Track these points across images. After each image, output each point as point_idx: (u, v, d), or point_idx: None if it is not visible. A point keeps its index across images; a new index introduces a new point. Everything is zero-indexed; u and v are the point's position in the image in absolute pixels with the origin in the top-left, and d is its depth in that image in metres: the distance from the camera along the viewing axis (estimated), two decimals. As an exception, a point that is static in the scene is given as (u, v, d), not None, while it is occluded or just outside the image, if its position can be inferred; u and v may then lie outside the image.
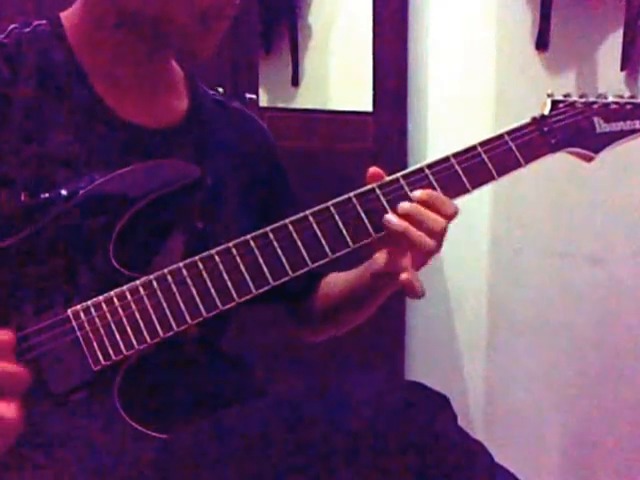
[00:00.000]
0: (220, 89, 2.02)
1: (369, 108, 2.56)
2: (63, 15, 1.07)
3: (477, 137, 1.05)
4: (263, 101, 2.50)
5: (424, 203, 0.99)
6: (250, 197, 1.15)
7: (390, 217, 0.99)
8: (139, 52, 1.05)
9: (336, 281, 1.22)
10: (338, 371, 1.10)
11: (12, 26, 1.05)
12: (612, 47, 1.95)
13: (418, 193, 1.00)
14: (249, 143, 1.19)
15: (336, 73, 2.95)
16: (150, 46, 1.05)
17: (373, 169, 1.03)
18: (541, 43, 2.12)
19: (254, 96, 2.24)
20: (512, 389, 2.34)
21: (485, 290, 2.41)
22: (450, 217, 1.00)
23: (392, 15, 2.55)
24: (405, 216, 0.99)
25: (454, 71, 2.47)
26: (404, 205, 0.99)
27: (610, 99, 1.11)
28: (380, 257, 1.06)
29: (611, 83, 1.95)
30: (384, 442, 0.85)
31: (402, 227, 0.98)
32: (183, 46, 1.03)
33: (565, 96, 1.10)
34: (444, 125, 2.50)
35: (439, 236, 0.99)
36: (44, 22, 1.06)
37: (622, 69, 1.92)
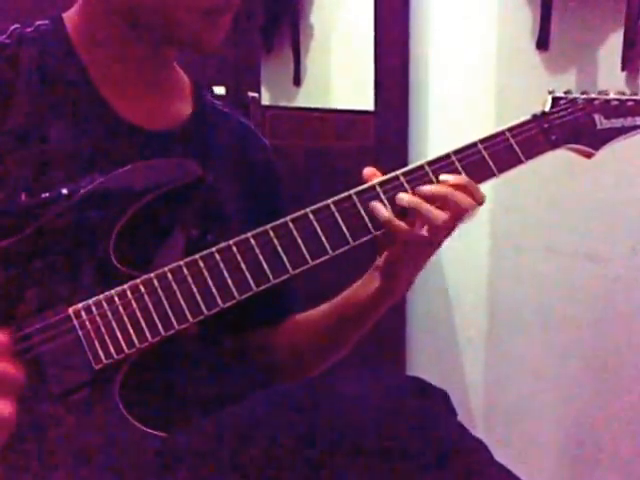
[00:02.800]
0: (222, 88, 2.03)
1: (370, 107, 2.56)
2: (65, 15, 1.07)
3: (478, 136, 1.05)
4: (265, 100, 2.50)
5: (456, 187, 1.01)
6: (246, 208, 1.15)
7: (402, 195, 1.01)
8: (141, 51, 1.05)
9: (314, 315, 1.20)
10: (338, 366, 1.10)
11: (14, 26, 1.04)
12: (613, 47, 1.95)
13: (447, 177, 1.02)
14: (250, 157, 1.19)
15: (338, 72, 2.95)
16: (152, 43, 1.04)
17: (369, 170, 1.03)
18: (542, 42, 2.12)
19: (256, 95, 2.24)
20: (512, 386, 2.34)
21: (485, 286, 2.41)
22: (478, 202, 1.02)
23: (393, 14, 2.54)
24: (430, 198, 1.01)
25: (455, 70, 2.47)
26: (426, 188, 1.01)
27: (611, 96, 1.11)
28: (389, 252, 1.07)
29: (612, 83, 1.95)
30: (383, 437, 0.85)
31: (414, 203, 1.00)
32: (187, 41, 1.03)
33: (566, 93, 1.10)
34: (445, 124, 2.50)
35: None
36: (46, 22, 1.06)
37: (622, 69, 1.93)
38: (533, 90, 2.08)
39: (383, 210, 1.00)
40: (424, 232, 1.00)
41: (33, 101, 1.00)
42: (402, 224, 1.00)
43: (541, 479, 2.19)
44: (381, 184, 1.01)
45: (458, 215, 1.00)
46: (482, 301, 2.41)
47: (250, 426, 0.91)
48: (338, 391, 0.91)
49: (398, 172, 1.01)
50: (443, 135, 2.50)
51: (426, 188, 1.01)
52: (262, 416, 0.91)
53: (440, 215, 0.99)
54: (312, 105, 2.80)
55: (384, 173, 1.03)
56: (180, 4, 0.98)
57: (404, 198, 1.01)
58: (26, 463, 0.89)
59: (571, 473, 2.18)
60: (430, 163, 1.02)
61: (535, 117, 1.07)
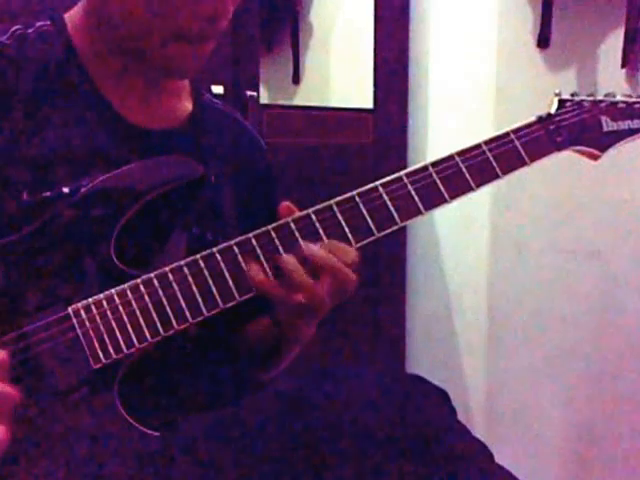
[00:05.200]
0: (220, 87, 2.03)
1: (370, 105, 2.56)
2: (67, 15, 1.07)
3: (478, 134, 1.05)
4: (264, 98, 2.49)
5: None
6: (245, 205, 1.16)
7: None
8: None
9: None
10: (338, 366, 1.10)
11: (15, 27, 1.04)
12: (613, 45, 1.95)
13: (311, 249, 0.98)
14: (246, 157, 1.19)
15: (337, 70, 2.95)
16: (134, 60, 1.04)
17: (285, 204, 1.01)
18: (542, 40, 2.12)
19: (255, 93, 2.24)
20: (512, 386, 2.34)
21: (485, 286, 2.41)
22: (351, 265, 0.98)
23: (393, 12, 2.54)
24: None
25: (455, 68, 2.47)
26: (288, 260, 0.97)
27: (618, 98, 1.11)
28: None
29: (612, 80, 1.96)
30: (383, 434, 0.85)
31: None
32: (157, 64, 1.02)
33: (572, 95, 1.10)
34: (445, 122, 2.50)
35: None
36: (47, 23, 1.06)
37: (623, 66, 1.93)
38: (534, 88, 2.10)
39: (256, 273, 0.96)
40: (300, 297, 0.96)
41: (34, 101, 1.00)
42: (276, 288, 0.96)
43: (541, 479, 2.19)
44: (384, 185, 1.00)
45: (336, 282, 0.97)
46: (482, 301, 2.41)
47: (248, 425, 0.91)
48: (338, 389, 0.91)
49: (402, 173, 1.01)
50: (443, 133, 2.50)
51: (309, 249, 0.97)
52: (260, 415, 0.91)
53: (313, 284, 0.96)
54: (311, 103, 2.80)
55: (384, 172, 1.02)
56: (150, 27, 0.97)
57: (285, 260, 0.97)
58: (24, 461, 0.88)
59: (571, 473, 2.18)
60: (434, 164, 1.02)
61: (540, 119, 1.07)
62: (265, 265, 0.97)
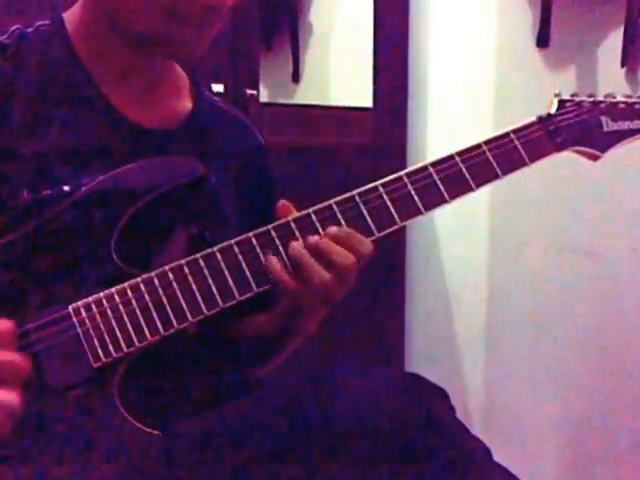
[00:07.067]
0: (220, 85, 2.03)
1: (369, 104, 2.56)
2: (66, 15, 1.07)
3: (477, 134, 1.05)
4: (263, 97, 2.49)
5: (335, 239, 0.97)
6: (244, 204, 1.16)
7: (294, 245, 0.96)
8: (134, 53, 1.04)
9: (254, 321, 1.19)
10: (338, 364, 1.11)
11: (14, 27, 1.05)
12: (613, 44, 1.95)
13: (331, 229, 0.97)
14: (246, 156, 1.19)
15: (336, 69, 2.95)
16: (138, 48, 1.04)
17: (282, 203, 1.01)
18: (542, 40, 2.13)
19: (254, 92, 2.24)
20: (510, 385, 2.34)
21: (484, 285, 2.41)
22: (363, 256, 0.97)
23: (393, 11, 2.54)
24: (313, 250, 0.96)
25: (455, 67, 2.47)
26: (311, 239, 0.96)
27: (618, 98, 1.11)
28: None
29: (612, 80, 1.96)
30: (382, 432, 0.86)
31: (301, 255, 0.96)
32: (162, 48, 1.02)
33: (572, 95, 1.10)
34: (444, 121, 2.50)
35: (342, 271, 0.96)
36: (47, 22, 1.06)
37: (622, 66, 1.93)
38: (533, 88, 2.10)
39: (275, 265, 0.96)
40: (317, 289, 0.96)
41: (34, 100, 1.00)
42: (290, 281, 0.96)
43: (540, 479, 2.20)
44: (384, 185, 1.00)
45: (342, 273, 0.96)
46: (482, 301, 2.41)
47: (248, 423, 0.91)
48: (338, 388, 0.92)
49: (402, 173, 1.01)
50: (442, 132, 2.50)
51: (312, 240, 0.96)
52: (260, 413, 0.92)
53: (323, 275, 0.95)
54: (311, 102, 2.80)
55: (383, 171, 1.02)
56: (147, 10, 0.97)
57: (294, 247, 0.96)
58: (23, 458, 0.89)
59: (570, 473, 2.19)
60: (434, 164, 1.02)
61: (540, 119, 1.07)
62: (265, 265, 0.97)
